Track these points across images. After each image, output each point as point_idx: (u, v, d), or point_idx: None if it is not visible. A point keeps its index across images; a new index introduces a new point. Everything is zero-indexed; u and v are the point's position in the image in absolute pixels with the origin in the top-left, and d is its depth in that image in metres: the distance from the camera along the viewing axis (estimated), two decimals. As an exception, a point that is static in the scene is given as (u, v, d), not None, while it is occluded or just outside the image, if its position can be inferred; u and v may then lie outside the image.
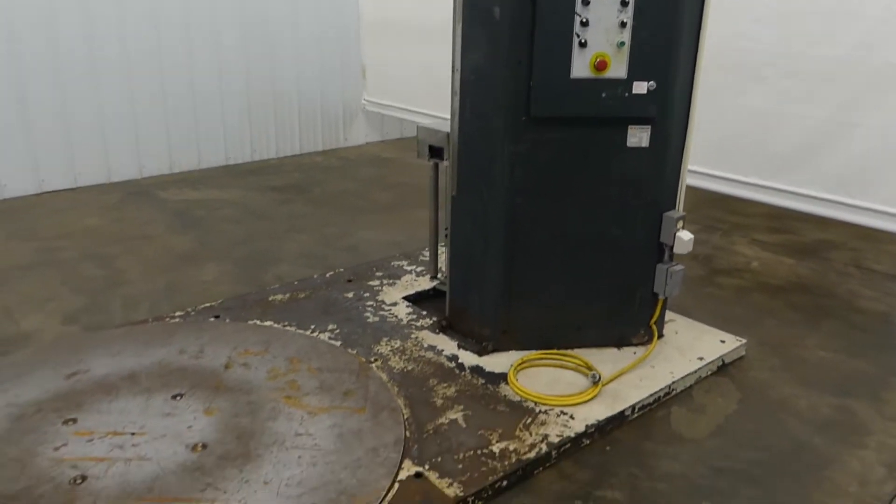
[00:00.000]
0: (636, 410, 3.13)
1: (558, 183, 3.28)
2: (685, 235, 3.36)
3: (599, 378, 3.17)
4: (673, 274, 3.41)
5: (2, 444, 2.71)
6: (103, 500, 2.44)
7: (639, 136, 3.26)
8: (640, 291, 3.49)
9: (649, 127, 3.24)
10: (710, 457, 2.90)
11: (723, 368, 3.55)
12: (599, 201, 3.32)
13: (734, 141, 4.94)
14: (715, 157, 5.02)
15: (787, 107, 4.82)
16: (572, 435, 2.88)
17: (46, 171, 6.13)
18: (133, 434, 2.77)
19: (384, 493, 2.51)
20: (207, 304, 3.93)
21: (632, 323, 3.55)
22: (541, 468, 2.78)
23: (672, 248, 3.39)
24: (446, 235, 3.66)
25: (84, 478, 2.54)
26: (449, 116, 3.44)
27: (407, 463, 2.68)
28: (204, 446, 2.72)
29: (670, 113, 3.26)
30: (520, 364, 3.33)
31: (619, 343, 3.56)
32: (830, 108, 4.58)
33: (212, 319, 3.75)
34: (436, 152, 3.77)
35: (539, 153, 3.23)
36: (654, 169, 3.32)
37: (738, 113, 4.91)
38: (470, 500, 2.55)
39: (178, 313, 3.82)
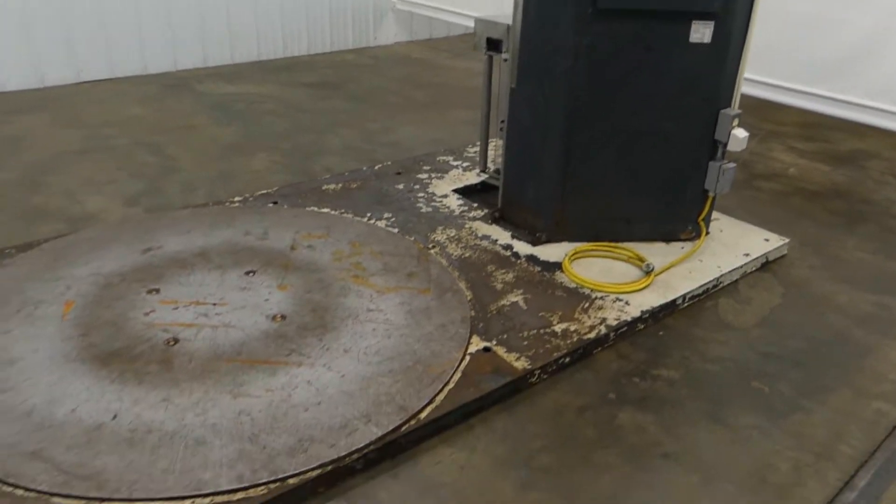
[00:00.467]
0: (686, 300, 3.27)
1: (619, 76, 3.32)
2: (740, 133, 3.42)
3: (653, 268, 3.30)
4: (725, 171, 3.49)
5: (96, 308, 2.87)
6: (197, 359, 2.61)
7: (701, 32, 3.28)
8: (690, 188, 3.58)
9: (712, 23, 3.26)
10: (757, 344, 3.06)
11: (766, 265, 3.68)
12: (658, 96, 3.37)
13: (777, 46, 4.92)
14: (756, 62, 5.02)
15: (834, 12, 4.79)
16: (629, 319, 3.03)
17: (84, 61, 6.13)
18: (215, 304, 2.92)
19: (457, 364, 2.67)
20: (263, 191, 4.03)
21: (680, 219, 3.66)
22: (599, 348, 2.94)
23: (726, 145, 3.45)
24: (501, 129, 3.72)
25: (177, 340, 2.70)
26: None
27: (475, 338, 2.84)
28: (283, 317, 2.87)
29: (733, 9, 3.27)
30: (573, 254, 3.46)
31: (667, 238, 3.67)
32: (878, 15, 4.55)
33: (270, 205, 3.86)
34: (493, 45, 3.78)
35: (602, 46, 3.26)
36: (714, 65, 3.35)
37: (784, 17, 4.87)
38: (537, 373, 2.71)
39: (236, 198, 3.93)
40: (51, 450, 2.19)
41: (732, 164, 3.51)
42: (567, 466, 2.37)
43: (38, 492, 2.05)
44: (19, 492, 2.06)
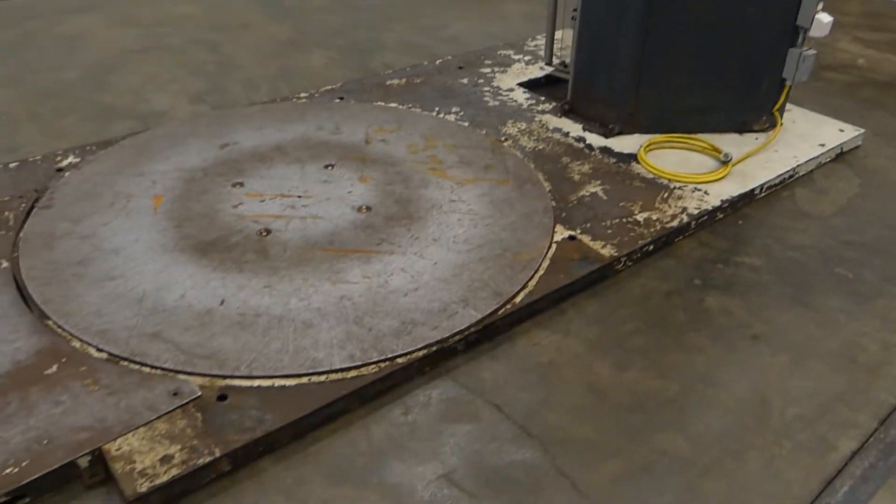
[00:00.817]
0: (763, 190, 3.26)
1: (701, -40, 3.21)
2: (824, 18, 3.31)
3: (731, 158, 3.28)
4: (805, 59, 3.40)
5: (185, 201, 2.93)
6: (292, 248, 2.67)
7: (789, -90, 3.14)
8: (767, 77, 3.50)
9: None
10: (837, 232, 3.06)
11: (840, 156, 3.63)
12: (740, -20, 3.26)
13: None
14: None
15: None
16: (709, 208, 3.03)
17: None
18: (300, 197, 2.97)
19: (545, 251, 2.72)
20: (328, 88, 4.01)
21: (754, 109, 3.60)
22: (681, 237, 2.96)
23: (808, 31, 3.35)
24: (573, 18, 3.63)
25: (268, 231, 2.76)
26: None
27: (559, 227, 2.87)
28: (368, 208, 2.91)
29: None
30: (647, 145, 3.43)
31: (741, 129, 3.62)
32: None
33: (337, 101, 3.85)
34: (564, -71, 3.65)
35: (684, -73, 3.14)
36: (801, -54, 3.22)
37: None
38: (622, 260, 2.75)
39: (302, 94, 3.91)
40: (169, 332, 2.29)
41: (813, 52, 3.42)
42: (660, 347, 2.43)
43: (164, 369, 2.16)
44: (146, 369, 2.16)
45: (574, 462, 2.03)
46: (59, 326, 2.31)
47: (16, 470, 1.85)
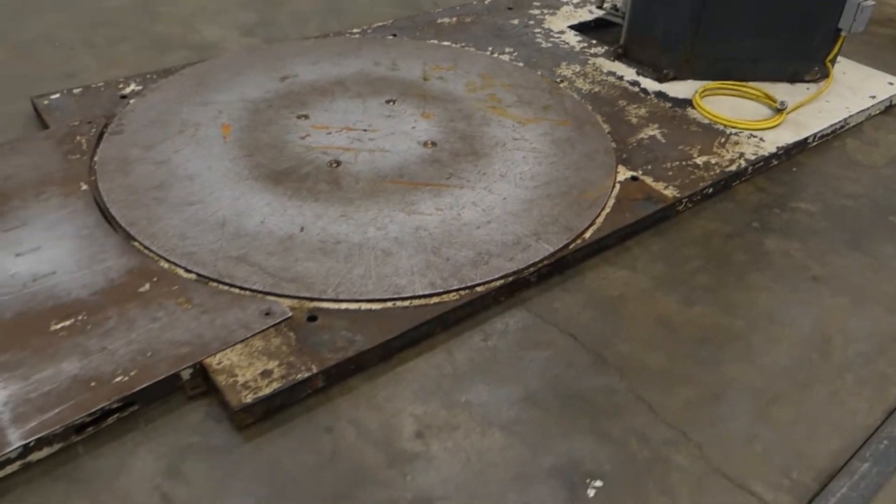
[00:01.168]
0: (816, 138, 3.30)
1: None
2: (886, -32, 3.31)
3: (787, 106, 3.31)
4: (863, 10, 3.41)
5: (252, 131, 2.97)
6: (363, 180, 2.73)
7: None
8: (821, 27, 3.51)
9: None
10: (889, 182, 3.12)
11: (889, 108, 3.67)
12: (805, -74, 3.25)
13: None
14: None
15: None
16: (765, 154, 3.08)
17: None
18: (365, 130, 3.01)
19: (610, 190, 2.78)
20: (379, 24, 4.01)
21: (807, 59, 3.62)
22: (738, 181, 3.02)
23: (868, -19, 3.36)
24: (630, -39, 3.62)
25: (338, 162, 2.81)
26: None
27: (621, 168, 2.92)
28: (433, 144, 2.96)
29: None
30: (702, 91, 3.46)
31: (792, 78, 3.65)
32: None
33: (390, 37, 3.85)
34: None
35: None
36: None
37: None
38: (684, 201, 2.81)
39: (355, 30, 3.92)
40: (253, 256, 2.36)
41: (871, 2, 3.43)
42: (724, 285, 2.51)
43: (253, 290, 2.24)
44: (235, 290, 2.24)
45: (649, 388, 2.12)
46: (146, 248, 2.38)
47: (125, 379, 1.94)
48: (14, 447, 1.77)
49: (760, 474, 1.91)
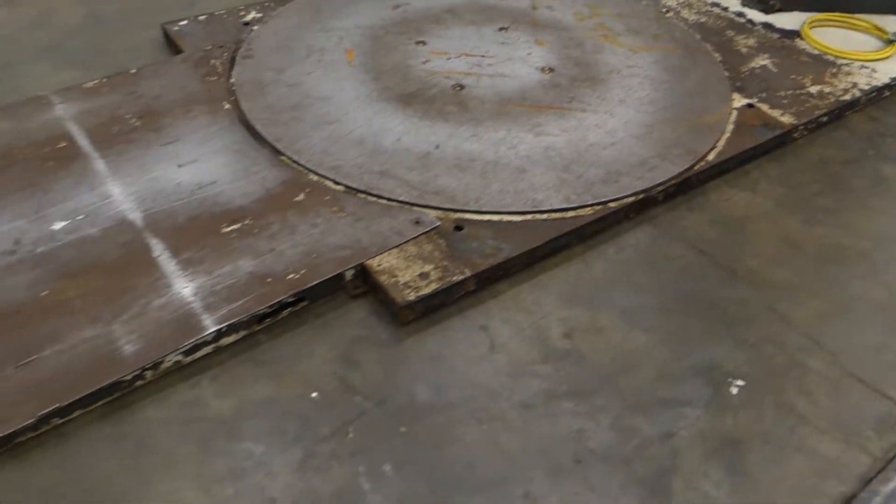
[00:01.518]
0: (927, 70, 3.31)
1: None
2: None
3: (899, 37, 3.32)
4: (981, -62, 3.37)
5: (375, 56, 3.08)
6: (488, 102, 2.83)
7: None
8: (935, -43, 3.48)
9: None
10: None
11: None
12: None
13: None
14: None
15: None
16: (878, 85, 3.10)
17: None
18: (483, 56, 3.10)
19: (728, 116, 2.84)
20: (479, -45, 4.04)
21: (917, -10, 3.59)
22: (851, 111, 3.05)
23: None
24: None
25: (462, 86, 2.91)
26: None
27: (735, 96, 2.97)
28: (551, 69, 3.04)
29: None
30: (810, 23, 3.47)
31: (900, 10, 3.63)
32: None
33: (491, -32, 3.89)
34: None
35: None
36: None
37: None
38: (800, 128, 2.86)
39: (456, -39, 3.96)
40: (395, 170, 2.49)
41: None
42: (844, 208, 2.59)
43: (400, 202, 2.37)
44: (383, 201, 2.38)
45: (779, 300, 2.23)
46: (294, 161, 2.53)
47: (297, 276, 2.11)
48: (210, 331, 1.95)
49: (894, 381, 2.02)
